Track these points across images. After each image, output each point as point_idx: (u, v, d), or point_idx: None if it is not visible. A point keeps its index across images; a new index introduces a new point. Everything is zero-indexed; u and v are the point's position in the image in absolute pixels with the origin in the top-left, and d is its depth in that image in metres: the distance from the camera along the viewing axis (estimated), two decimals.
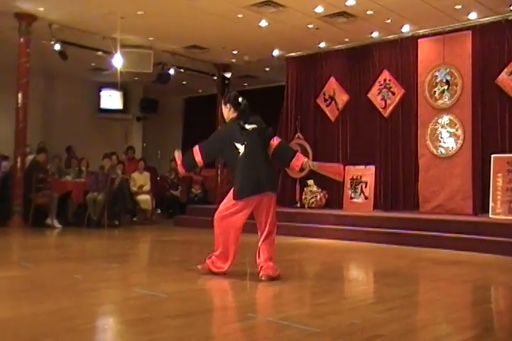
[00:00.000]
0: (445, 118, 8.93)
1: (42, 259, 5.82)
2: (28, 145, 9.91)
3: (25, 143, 9.46)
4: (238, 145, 4.52)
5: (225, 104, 4.86)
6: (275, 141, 4.74)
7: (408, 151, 9.37)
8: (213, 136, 4.83)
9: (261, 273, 4.60)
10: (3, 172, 9.99)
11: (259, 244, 4.69)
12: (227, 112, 4.83)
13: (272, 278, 4.56)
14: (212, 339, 2.93)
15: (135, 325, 3.22)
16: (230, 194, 4.59)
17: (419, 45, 9.33)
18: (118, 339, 3.01)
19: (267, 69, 12.17)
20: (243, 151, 4.52)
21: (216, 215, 4.67)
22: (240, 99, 4.78)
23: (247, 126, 4.62)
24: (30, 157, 9.89)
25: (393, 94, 9.58)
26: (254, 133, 4.59)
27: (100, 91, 14.13)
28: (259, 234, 4.71)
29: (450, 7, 8.17)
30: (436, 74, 9.07)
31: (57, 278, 4.67)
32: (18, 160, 9.25)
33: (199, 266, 4.84)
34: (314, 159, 10.33)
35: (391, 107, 9.60)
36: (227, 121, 4.86)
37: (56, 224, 9.15)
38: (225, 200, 4.67)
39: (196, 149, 4.73)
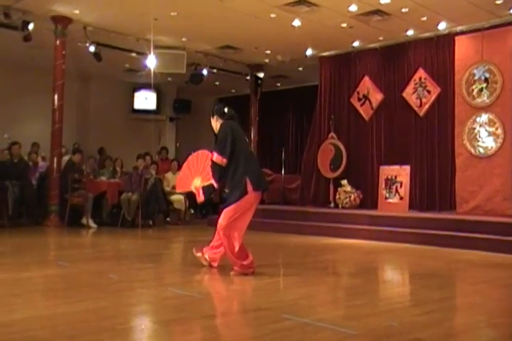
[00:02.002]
0: (484, 117, 8.71)
1: (78, 258, 5.89)
2: (63, 146, 10.08)
3: (60, 143, 9.63)
4: (244, 140, 4.78)
5: (212, 116, 4.96)
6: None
7: (444, 151, 9.18)
8: (224, 135, 4.71)
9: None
10: (41, 173, 10.20)
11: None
12: (215, 123, 4.93)
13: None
14: (249, 340, 2.90)
15: (171, 325, 3.22)
16: (241, 195, 4.59)
17: (456, 43, 9.12)
18: (155, 339, 3.01)
19: (300, 68, 12.10)
20: (246, 147, 4.79)
21: (228, 228, 4.67)
22: (226, 109, 4.89)
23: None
24: (65, 157, 10.06)
25: (429, 92, 9.40)
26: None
27: (134, 92, 14.29)
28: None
29: (490, 2, 7.96)
30: (474, 71, 8.86)
31: (93, 278, 4.72)
32: (54, 160, 9.41)
33: (232, 273, 4.85)
34: (348, 159, 10.27)
35: (427, 106, 9.43)
36: (216, 132, 4.88)
37: (91, 223, 9.28)
38: (235, 206, 4.64)
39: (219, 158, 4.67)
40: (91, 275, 4.82)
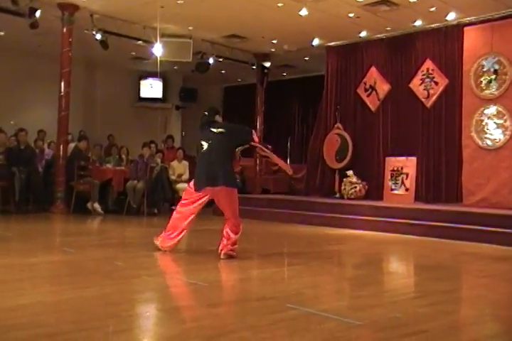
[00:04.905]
0: (492, 109, 8.63)
1: (84, 245, 5.91)
2: (69, 134, 10.09)
3: (67, 131, 9.63)
4: (203, 142, 5.12)
5: None
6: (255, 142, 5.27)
7: (451, 142, 9.12)
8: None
9: (222, 253, 5.03)
10: (47, 160, 10.22)
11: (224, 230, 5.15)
12: None
13: (230, 257, 5.02)
14: (253, 329, 2.91)
15: (176, 312, 3.23)
16: (191, 184, 5.22)
17: (465, 34, 9.03)
18: (160, 327, 3.02)
19: (307, 58, 12.03)
20: (206, 148, 5.10)
21: (180, 203, 5.35)
22: (206, 113, 5.37)
23: (214, 130, 5.15)
24: (71, 145, 10.07)
25: (436, 84, 9.33)
26: (220, 135, 5.12)
27: (140, 80, 14.25)
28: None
29: None
30: (483, 63, 8.77)
31: (99, 264, 4.74)
32: (61, 147, 9.42)
33: (155, 242, 5.39)
34: (354, 150, 10.25)
35: (434, 97, 9.36)
36: None
37: (99, 209, 9.32)
38: (187, 190, 5.32)
39: None
40: (96, 262, 4.84)
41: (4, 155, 8.89)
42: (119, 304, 3.34)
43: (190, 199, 5.20)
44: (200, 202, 5.17)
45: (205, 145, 5.09)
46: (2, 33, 10.55)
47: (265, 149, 5.28)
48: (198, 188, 5.09)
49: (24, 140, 9.32)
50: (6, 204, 8.78)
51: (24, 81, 11.91)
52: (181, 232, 5.30)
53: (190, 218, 5.25)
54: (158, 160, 10.14)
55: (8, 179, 8.73)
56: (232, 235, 5.07)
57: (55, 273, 4.38)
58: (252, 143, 5.19)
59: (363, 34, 10.08)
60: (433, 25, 9.36)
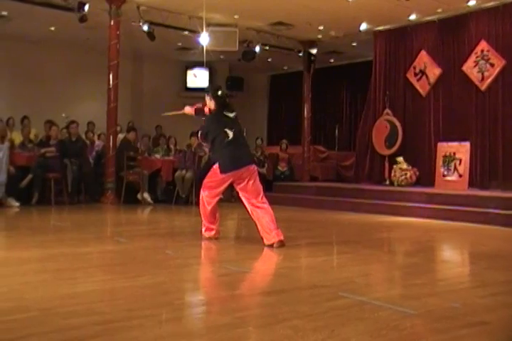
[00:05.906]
0: None
1: (134, 235, 5.99)
2: (118, 125, 10.24)
3: (116, 122, 9.76)
4: (228, 131, 5.14)
5: (207, 94, 5.34)
6: None
7: (509, 126, 8.79)
8: (206, 127, 5.33)
9: (277, 241, 5.00)
10: (97, 151, 10.42)
11: (257, 214, 5.14)
12: (209, 102, 5.33)
13: (283, 244, 4.98)
14: (306, 318, 2.86)
15: (228, 301, 3.21)
16: (216, 169, 5.17)
17: None
18: (212, 315, 3.02)
19: (354, 44, 11.82)
20: (232, 136, 5.13)
21: (203, 187, 5.35)
22: (220, 92, 5.28)
23: (231, 115, 5.23)
24: (120, 136, 10.22)
25: (492, 65, 8.98)
26: (236, 120, 5.26)
27: (187, 70, 14.33)
28: (247, 203, 5.22)
29: None
30: None
31: (150, 254, 4.78)
32: (110, 139, 9.57)
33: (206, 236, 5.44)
34: (404, 135, 10.02)
35: (489, 80, 9.02)
36: (210, 109, 5.34)
37: (148, 199, 9.46)
38: (210, 175, 5.29)
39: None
40: (147, 251, 4.89)
41: (56, 148, 9.11)
42: (171, 292, 3.36)
43: (217, 184, 5.27)
44: (224, 186, 5.32)
45: (230, 133, 5.14)
46: (53, 28, 10.80)
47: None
48: (225, 171, 5.11)
49: (75, 132, 9.51)
50: (59, 195, 9.01)
51: (74, 74, 12.19)
52: (218, 219, 5.57)
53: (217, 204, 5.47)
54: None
55: (61, 171, 8.95)
56: (273, 218, 5.09)
57: (107, 262, 4.45)
58: None
59: (413, 17, 9.79)
60: (489, 4, 8.97)
